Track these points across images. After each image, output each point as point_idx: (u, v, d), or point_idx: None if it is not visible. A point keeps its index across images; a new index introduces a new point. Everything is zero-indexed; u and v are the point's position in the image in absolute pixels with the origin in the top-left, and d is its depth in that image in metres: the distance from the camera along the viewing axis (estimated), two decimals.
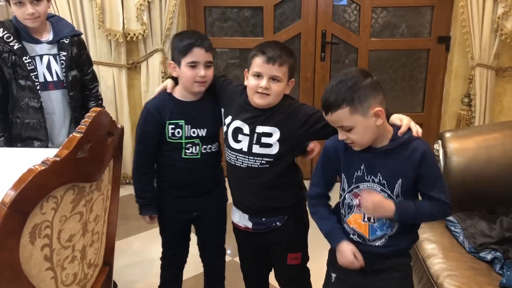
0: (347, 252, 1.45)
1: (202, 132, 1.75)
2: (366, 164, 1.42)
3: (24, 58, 2.04)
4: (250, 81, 1.59)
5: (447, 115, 3.40)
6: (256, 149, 1.62)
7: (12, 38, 2.03)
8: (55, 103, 2.17)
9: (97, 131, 1.17)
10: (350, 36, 3.40)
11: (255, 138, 1.62)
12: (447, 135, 2.12)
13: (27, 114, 2.09)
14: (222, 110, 1.74)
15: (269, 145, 1.61)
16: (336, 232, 1.49)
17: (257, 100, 1.59)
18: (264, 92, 1.56)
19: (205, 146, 1.77)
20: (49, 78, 2.13)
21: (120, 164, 1.44)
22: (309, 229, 1.79)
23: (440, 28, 3.35)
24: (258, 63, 1.56)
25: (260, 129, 1.61)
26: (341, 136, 1.39)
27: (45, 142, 2.16)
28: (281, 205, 1.69)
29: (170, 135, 1.73)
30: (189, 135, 1.73)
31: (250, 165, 1.64)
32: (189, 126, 1.73)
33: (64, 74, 2.13)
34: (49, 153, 1.09)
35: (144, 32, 3.15)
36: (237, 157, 1.66)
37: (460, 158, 2.04)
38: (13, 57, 2.03)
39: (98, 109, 1.17)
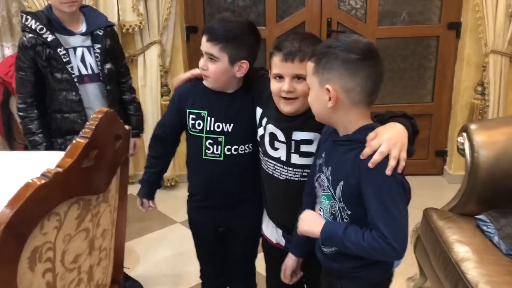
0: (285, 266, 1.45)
1: (228, 128, 1.52)
2: (326, 153, 1.25)
3: (58, 50, 1.87)
4: (272, 85, 1.37)
5: (458, 105, 3.26)
6: (295, 159, 1.41)
7: (45, 29, 1.86)
8: (92, 97, 2.00)
9: (105, 135, 1.01)
10: (357, 24, 3.23)
11: (293, 147, 1.40)
12: (473, 127, 1.98)
13: (66, 107, 1.95)
14: (259, 109, 1.51)
15: (310, 154, 1.39)
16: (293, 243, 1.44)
17: (283, 108, 1.37)
18: (288, 96, 1.34)
19: (229, 147, 1.53)
20: (83, 71, 1.97)
21: (128, 169, 1.28)
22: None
23: (450, 14, 3.20)
24: (276, 62, 1.34)
25: (297, 135, 1.39)
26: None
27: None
28: None
29: (190, 126, 1.55)
30: (211, 129, 1.52)
31: (290, 177, 1.43)
32: (213, 118, 1.52)
33: (99, 67, 1.98)
34: (57, 157, 0.93)
35: (140, 23, 2.97)
36: (275, 166, 1.45)
37: (489, 151, 1.90)
38: (48, 50, 1.87)
39: (105, 109, 1.00)
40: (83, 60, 1.96)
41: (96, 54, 1.98)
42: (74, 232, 1.00)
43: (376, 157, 1.08)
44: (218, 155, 1.54)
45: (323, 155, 1.25)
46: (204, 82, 1.51)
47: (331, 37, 1.28)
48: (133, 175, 3.36)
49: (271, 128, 1.44)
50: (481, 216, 1.82)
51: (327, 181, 1.22)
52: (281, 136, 1.41)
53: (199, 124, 1.54)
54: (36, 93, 1.93)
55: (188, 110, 1.54)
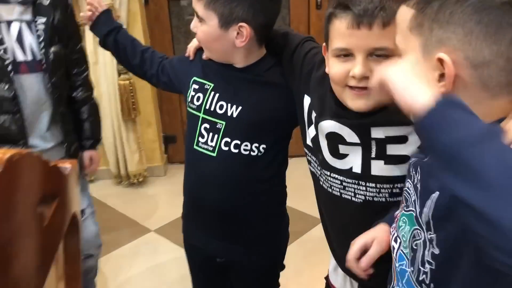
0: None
1: (234, 111, 1.08)
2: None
3: None
4: (332, 68, 0.86)
5: None
6: (378, 168, 0.89)
7: None
8: (29, 93, 1.36)
9: (13, 205, 0.45)
10: None
11: (374, 150, 0.88)
12: None
13: None
14: (307, 98, 1.00)
15: (403, 159, 0.87)
16: None
17: (351, 103, 0.86)
18: (361, 85, 0.82)
19: (228, 139, 1.09)
20: (20, 57, 1.32)
21: (79, 234, 0.72)
22: None
23: None
24: (339, 30, 0.82)
25: (378, 132, 0.87)
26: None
27: (24, 146, 1.38)
28: None
29: (190, 99, 1.15)
30: (212, 108, 1.10)
31: (371, 197, 0.92)
32: (217, 94, 1.10)
33: (43, 51, 1.35)
34: None
35: None
36: (344, 183, 0.94)
37: None
38: None
39: (13, 152, 0.44)
40: (20, 40, 1.32)
41: (39, 33, 1.35)
42: None
43: None
44: (211, 149, 1.10)
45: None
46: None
47: None
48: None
49: (329, 125, 0.92)
50: None
51: (414, 191, 0.71)
52: (351, 136, 0.90)
53: (198, 98, 1.13)
54: None
55: (193, 78, 1.16)
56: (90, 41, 2.50)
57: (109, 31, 1.25)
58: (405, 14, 0.67)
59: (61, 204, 0.58)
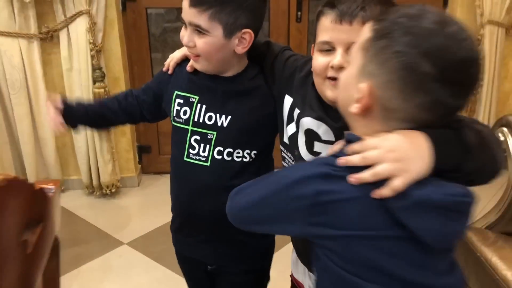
0: None
1: (223, 121, 1.11)
2: None
3: None
4: (315, 60, 0.94)
5: None
6: None
7: None
8: None
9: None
10: None
11: None
12: None
13: None
14: (288, 98, 1.07)
15: None
16: None
17: (327, 92, 0.94)
18: (337, 75, 0.88)
19: (220, 148, 1.11)
20: None
21: (58, 257, 0.67)
22: None
23: None
24: (325, 25, 0.91)
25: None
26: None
27: None
28: None
29: (175, 114, 1.14)
30: (200, 120, 1.12)
31: None
32: (204, 106, 1.11)
33: None
34: None
35: None
36: None
37: None
38: None
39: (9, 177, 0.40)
40: None
41: None
42: None
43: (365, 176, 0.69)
44: (204, 159, 1.12)
45: None
46: (193, 65, 1.11)
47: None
48: (62, 181, 2.69)
49: (308, 122, 1.00)
50: None
51: None
52: (327, 133, 0.98)
53: (185, 112, 1.13)
54: None
55: (176, 92, 1.15)
56: (64, 47, 2.42)
57: (79, 117, 1.21)
58: (365, 31, 0.75)
59: (45, 228, 0.54)
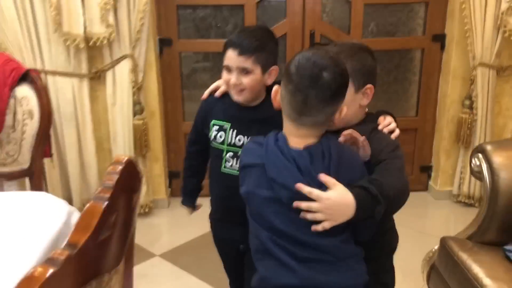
0: None
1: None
2: None
3: None
4: None
5: (444, 119, 3.17)
6: None
7: None
8: None
9: (125, 192, 0.75)
10: (341, 36, 3.08)
11: None
12: (489, 147, 1.85)
13: None
14: None
15: None
16: None
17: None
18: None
19: None
20: None
21: (135, 223, 1.01)
22: None
23: (434, 26, 3.11)
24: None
25: None
26: None
27: None
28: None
29: (213, 137, 1.55)
30: (232, 141, 1.52)
31: None
32: (235, 131, 1.52)
33: None
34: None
35: (110, 35, 2.66)
36: None
37: (510, 174, 1.77)
38: None
39: (124, 158, 0.75)
40: None
41: None
42: None
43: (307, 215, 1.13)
44: (236, 170, 1.49)
45: None
46: (236, 98, 1.49)
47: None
48: None
49: None
50: (509, 247, 1.68)
51: None
52: None
53: (221, 136, 1.53)
54: None
55: (213, 121, 1.55)
56: (110, 85, 2.82)
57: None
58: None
59: (138, 196, 0.88)
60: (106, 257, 0.73)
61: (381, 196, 1.13)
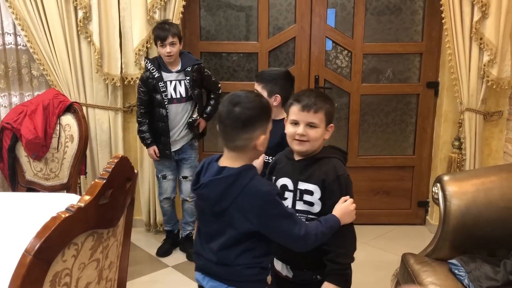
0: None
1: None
2: None
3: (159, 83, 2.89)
4: (287, 129, 1.66)
5: (438, 158, 3.47)
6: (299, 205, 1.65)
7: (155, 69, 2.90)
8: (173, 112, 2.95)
9: (119, 177, 1.17)
10: (342, 81, 3.49)
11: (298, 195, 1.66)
12: (446, 178, 2.17)
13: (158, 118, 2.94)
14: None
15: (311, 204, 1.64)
16: (328, 217, 1.56)
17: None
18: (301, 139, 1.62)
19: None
20: (173, 96, 2.94)
21: (133, 209, 1.43)
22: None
23: (428, 74, 3.48)
24: (294, 111, 1.63)
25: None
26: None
27: (167, 138, 2.97)
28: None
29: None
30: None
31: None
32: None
33: (189, 92, 2.94)
34: (61, 198, 1.09)
35: None
36: None
37: (460, 201, 2.08)
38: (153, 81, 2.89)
39: (120, 155, 1.18)
40: (175, 89, 2.93)
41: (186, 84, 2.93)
42: (87, 261, 1.14)
43: None
44: None
45: None
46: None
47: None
48: None
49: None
50: (453, 261, 1.98)
51: None
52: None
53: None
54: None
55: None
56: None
57: None
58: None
59: (131, 185, 1.30)
60: (104, 217, 1.14)
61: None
